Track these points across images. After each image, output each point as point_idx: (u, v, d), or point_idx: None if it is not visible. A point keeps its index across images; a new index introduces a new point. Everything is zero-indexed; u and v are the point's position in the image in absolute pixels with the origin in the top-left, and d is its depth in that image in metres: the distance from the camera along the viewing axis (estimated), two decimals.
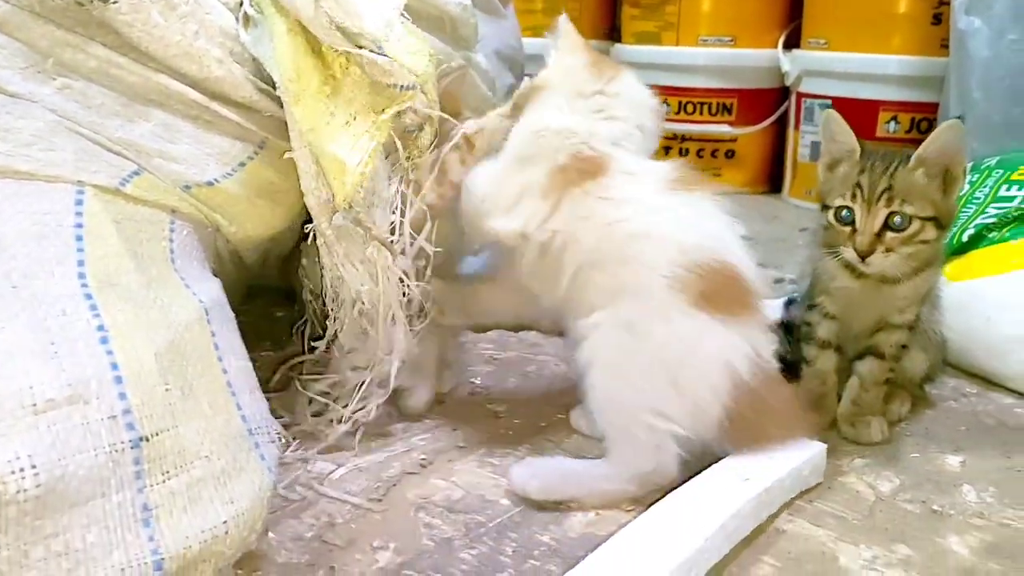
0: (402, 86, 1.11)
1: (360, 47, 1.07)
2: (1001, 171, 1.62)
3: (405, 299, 1.14)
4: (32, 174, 0.85)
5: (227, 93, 1.09)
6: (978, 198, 1.61)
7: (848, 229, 1.16)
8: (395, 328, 1.13)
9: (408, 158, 1.15)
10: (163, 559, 0.77)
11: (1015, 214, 1.53)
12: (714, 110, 3.09)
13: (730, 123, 3.07)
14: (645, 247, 1.04)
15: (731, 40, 3.05)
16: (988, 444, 1.27)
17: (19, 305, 0.77)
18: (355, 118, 1.09)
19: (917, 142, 2.65)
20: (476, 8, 1.71)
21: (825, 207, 1.20)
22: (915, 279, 1.21)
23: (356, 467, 1.13)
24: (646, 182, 1.09)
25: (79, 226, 0.85)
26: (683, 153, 3.13)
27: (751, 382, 1.01)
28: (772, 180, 3.19)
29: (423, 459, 1.16)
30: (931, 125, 2.49)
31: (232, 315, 1.01)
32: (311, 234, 1.11)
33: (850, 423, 1.27)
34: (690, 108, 3.11)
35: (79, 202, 0.86)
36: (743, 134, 3.07)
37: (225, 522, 0.82)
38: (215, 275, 1.06)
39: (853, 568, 0.97)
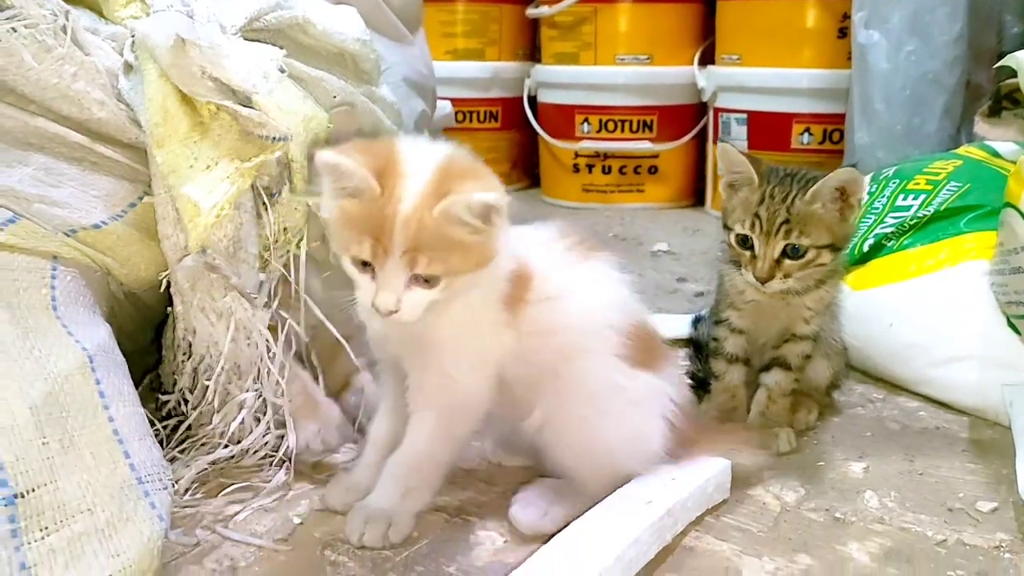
0: (273, 137, 1.11)
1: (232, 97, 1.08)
2: (898, 181, 1.67)
3: (270, 355, 1.13)
4: None
5: (112, 135, 1.08)
6: (877, 208, 1.65)
7: (748, 254, 1.19)
8: (261, 387, 1.13)
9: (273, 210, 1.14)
10: None
11: (911, 222, 1.57)
12: (635, 127, 3.14)
13: (651, 139, 3.12)
14: (586, 323, 1.06)
15: (648, 58, 3.10)
16: (892, 449, 1.31)
17: None
18: (217, 163, 1.09)
19: (830, 153, 2.76)
20: (382, 35, 1.72)
21: (727, 228, 1.23)
22: (817, 291, 1.26)
23: (262, 507, 1.12)
24: (559, 263, 1.09)
25: None
26: (606, 171, 3.17)
27: (678, 422, 1.12)
28: (694, 194, 3.24)
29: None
30: (842, 136, 2.56)
31: (122, 360, 0.99)
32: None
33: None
34: (611, 126, 3.16)
35: None
36: (664, 150, 3.12)
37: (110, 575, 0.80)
38: (108, 319, 1.05)
39: None
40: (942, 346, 1.45)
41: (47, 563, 0.77)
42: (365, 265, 0.95)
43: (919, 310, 1.48)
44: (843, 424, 1.40)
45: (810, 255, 1.18)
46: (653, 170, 3.19)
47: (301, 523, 1.09)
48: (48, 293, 0.93)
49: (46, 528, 0.78)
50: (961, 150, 1.75)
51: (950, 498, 1.16)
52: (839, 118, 2.61)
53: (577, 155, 3.20)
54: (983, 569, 1.01)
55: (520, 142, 3.47)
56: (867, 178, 1.72)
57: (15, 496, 0.76)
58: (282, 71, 1.12)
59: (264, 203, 1.14)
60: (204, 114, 1.09)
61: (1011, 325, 1.40)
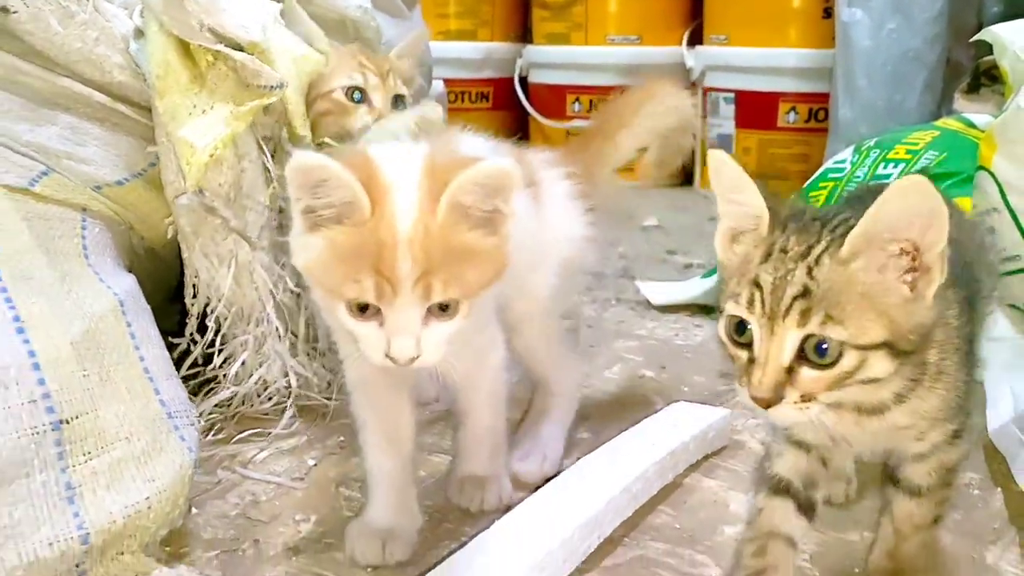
0: (271, 86, 1.16)
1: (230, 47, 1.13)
2: (879, 151, 1.74)
3: (273, 300, 1.18)
4: None
5: (131, 97, 1.14)
6: (859, 176, 1.72)
7: (743, 355, 0.73)
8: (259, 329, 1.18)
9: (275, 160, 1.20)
10: (89, 533, 0.82)
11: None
12: None
13: None
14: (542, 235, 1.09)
15: (637, 39, 3.16)
16: None
17: None
18: (212, 107, 1.12)
19: (815, 131, 2.83)
20: (381, 10, 1.77)
21: (720, 309, 0.77)
22: (915, 398, 0.77)
23: (278, 449, 1.18)
24: None
25: None
26: None
27: None
28: (682, 172, 3.30)
29: (342, 440, 1.22)
30: (827, 115, 2.62)
31: (147, 307, 1.05)
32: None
33: None
34: (601, 105, 3.21)
35: None
36: None
37: (147, 498, 0.87)
38: (129, 271, 1.10)
39: (743, 511, 1.05)
40: None
41: (90, 484, 0.84)
42: (363, 311, 0.80)
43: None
44: None
45: (847, 361, 0.70)
46: (643, 149, 3.24)
47: (315, 464, 1.16)
48: (79, 242, 0.99)
49: (88, 453, 0.84)
50: (939, 122, 1.82)
51: None
52: (824, 97, 2.67)
53: (568, 134, 3.25)
54: (955, 504, 1.08)
55: (511, 122, 3.53)
56: (850, 148, 1.79)
57: (61, 422, 0.83)
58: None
59: (266, 152, 1.20)
60: (202, 65, 1.13)
61: None
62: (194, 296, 1.16)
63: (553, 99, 3.28)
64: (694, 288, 1.84)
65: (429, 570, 0.87)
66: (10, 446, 0.79)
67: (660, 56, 3.15)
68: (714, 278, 1.79)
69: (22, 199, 0.94)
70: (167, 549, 0.94)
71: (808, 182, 1.91)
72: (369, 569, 0.94)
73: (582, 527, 0.93)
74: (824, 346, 0.69)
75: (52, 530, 0.80)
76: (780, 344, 0.70)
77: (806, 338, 0.69)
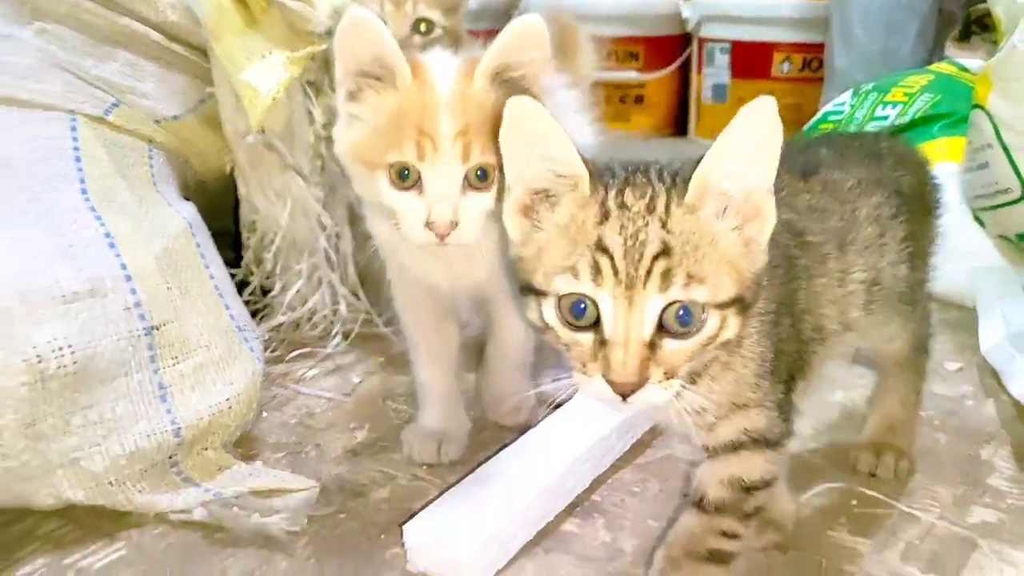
0: (318, 32, 1.22)
1: None
2: (876, 93, 1.83)
3: (324, 233, 1.25)
4: (30, 103, 0.95)
5: (183, 36, 1.20)
6: (858, 118, 1.81)
7: (587, 339, 0.63)
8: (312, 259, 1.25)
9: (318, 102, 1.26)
10: (180, 428, 0.90)
11: (890, 131, 1.73)
12: (622, 57, 3.25)
13: (637, 69, 3.24)
14: None
15: None
16: None
17: (35, 215, 0.88)
18: (271, 52, 1.18)
19: (808, 80, 2.90)
20: None
21: (527, 290, 0.67)
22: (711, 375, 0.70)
23: (325, 369, 1.27)
24: None
25: (76, 149, 0.95)
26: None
27: None
28: (678, 123, 3.37)
29: (383, 361, 1.30)
30: (820, 64, 2.69)
31: (208, 232, 1.12)
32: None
33: None
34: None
35: (73, 128, 0.97)
36: (650, 79, 3.25)
37: (228, 399, 0.95)
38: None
39: None
40: None
41: (178, 385, 0.92)
42: (404, 179, 0.83)
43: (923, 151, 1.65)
44: None
45: (712, 324, 0.63)
46: (639, 99, 3.31)
47: (360, 381, 1.25)
48: (148, 170, 1.06)
49: (176, 357, 0.93)
50: (933, 66, 1.91)
51: None
52: (817, 47, 2.74)
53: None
54: (951, 409, 1.18)
55: None
56: (850, 91, 1.88)
57: (151, 328, 0.91)
58: None
59: (310, 96, 1.26)
60: (256, 10, 1.20)
61: (976, 218, 1.57)
62: (251, 230, 1.23)
63: None
64: None
65: (479, 465, 0.95)
66: (111, 348, 0.87)
67: (657, 6, 3.19)
68: None
69: (99, 128, 1.01)
70: (239, 451, 1.03)
71: (808, 124, 2.00)
72: (425, 467, 1.03)
73: (618, 428, 1.03)
74: (685, 312, 0.61)
75: (149, 424, 0.88)
76: (641, 316, 0.61)
77: (669, 305, 0.61)
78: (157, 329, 0.91)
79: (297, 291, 1.26)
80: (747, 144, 0.61)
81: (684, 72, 3.33)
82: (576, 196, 0.64)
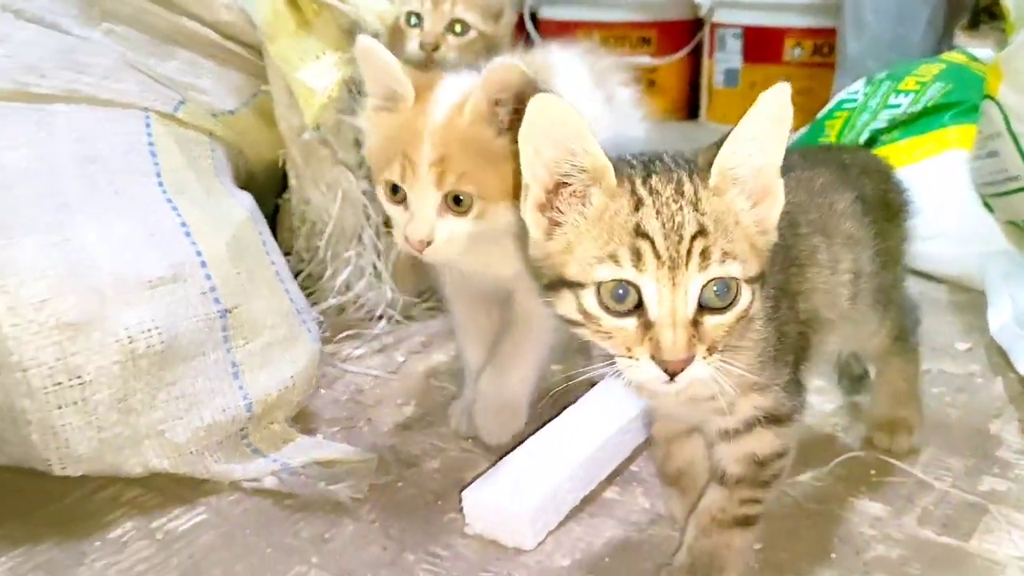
0: (367, 33, 1.29)
1: None
2: (890, 82, 1.88)
3: (369, 224, 1.33)
4: (111, 102, 1.01)
5: (237, 35, 1.27)
6: (871, 106, 1.87)
7: (630, 324, 0.66)
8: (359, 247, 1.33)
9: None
10: (252, 403, 0.98)
11: (902, 118, 1.79)
12: (635, 42, 3.31)
13: (650, 54, 3.29)
14: None
15: None
16: None
17: (121, 206, 0.95)
18: (324, 53, 1.26)
19: (819, 66, 2.96)
20: None
21: (559, 285, 0.69)
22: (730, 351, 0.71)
23: (371, 349, 1.34)
24: None
25: (151, 144, 1.02)
26: None
27: None
28: (690, 107, 3.43)
29: (423, 341, 1.38)
30: (832, 50, 2.75)
31: (265, 220, 1.19)
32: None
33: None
34: (612, 41, 3.32)
35: (148, 124, 1.04)
36: (662, 64, 3.30)
37: (291, 377, 1.03)
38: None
39: None
40: (927, 224, 1.67)
41: (249, 364, 0.99)
42: (396, 193, 0.90)
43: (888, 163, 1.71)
44: None
45: (744, 298, 0.67)
46: (651, 84, 3.36)
47: (404, 360, 1.32)
48: (211, 163, 1.13)
49: (246, 338, 1.00)
50: (945, 55, 1.97)
51: (934, 341, 1.39)
52: (828, 33, 2.79)
53: None
54: (961, 387, 1.25)
55: None
56: (863, 79, 1.94)
57: (225, 311, 0.98)
58: None
59: (355, 94, 1.33)
60: (309, 13, 1.27)
61: (986, 204, 1.63)
62: (301, 220, 1.31)
63: (563, 34, 3.37)
64: None
65: (526, 438, 1.03)
66: (191, 329, 0.94)
67: None
68: None
69: (170, 124, 1.08)
70: (298, 425, 1.10)
71: (822, 113, 2.06)
72: (470, 440, 1.10)
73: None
74: (723, 287, 0.65)
75: (224, 399, 0.96)
76: (685, 295, 0.64)
77: (708, 283, 0.65)
78: (230, 312, 0.98)
79: (345, 277, 1.33)
80: (761, 127, 0.65)
81: (696, 57, 3.38)
82: (605, 187, 0.67)
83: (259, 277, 1.05)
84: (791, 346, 0.80)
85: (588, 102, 1.09)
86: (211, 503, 0.97)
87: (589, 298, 0.66)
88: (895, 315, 1.01)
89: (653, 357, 0.65)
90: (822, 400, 1.19)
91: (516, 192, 0.79)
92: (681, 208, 0.64)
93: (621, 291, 0.65)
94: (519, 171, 0.72)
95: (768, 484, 0.82)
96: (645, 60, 3.29)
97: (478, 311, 1.12)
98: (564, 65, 1.13)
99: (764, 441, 0.80)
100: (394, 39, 1.39)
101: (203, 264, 0.97)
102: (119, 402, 0.88)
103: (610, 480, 1.02)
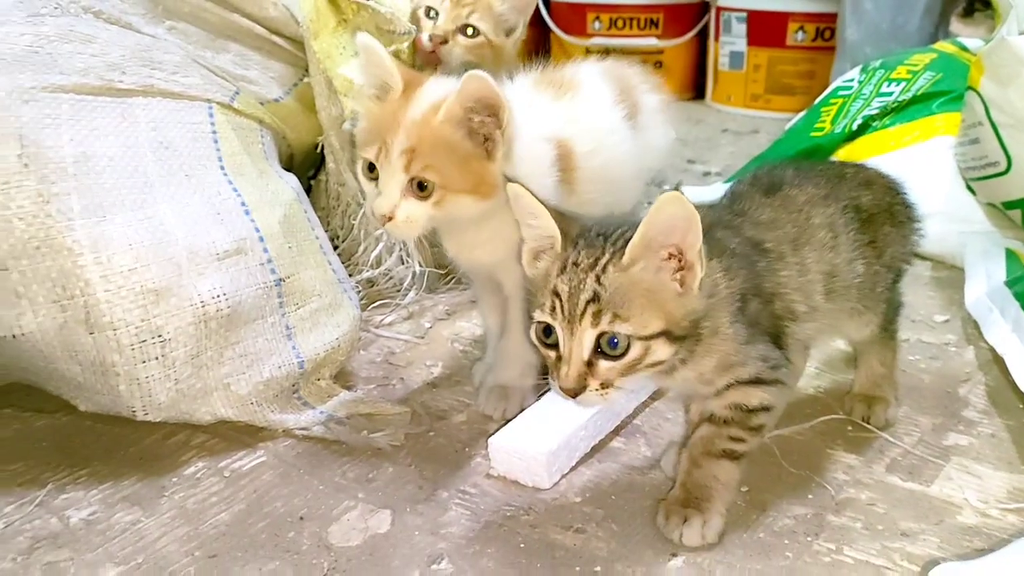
0: (401, 32, 1.42)
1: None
2: (883, 71, 2.00)
3: None
4: (180, 95, 1.14)
5: (281, 29, 1.39)
6: (865, 94, 1.98)
7: (552, 354, 0.88)
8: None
9: None
10: (304, 361, 1.12)
11: (893, 106, 1.91)
12: (642, 25, 3.41)
13: (657, 36, 3.40)
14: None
15: None
16: None
17: (191, 188, 1.08)
18: None
19: (821, 49, 3.06)
20: None
21: (530, 316, 0.90)
22: (694, 359, 0.91)
23: (400, 316, 1.48)
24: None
25: (214, 132, 1.15)
26: None
27: None
28: (696, 87, 3.54)
29: (447, 309, 1.51)
30: (833, 34, 2.85)
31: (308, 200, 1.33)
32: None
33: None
34: (620, 23, 3.42)
35: (210, 114, 1.16)
36: (669, 46, 3.41)
37: (337, 339, 1.17)
38: None
39: None
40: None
41: (300, 327, 1.13)
42: (372, 171, 1.01)
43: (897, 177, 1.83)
44: None
45: (634, 351, 0.84)
46: (658, 65, 3.46)
47: (431, 327, 1.46)
48: (261, 148, 1.26)
49: (297, 304, 1.14)
50: (937, 45, 2.08)
51: (913, 314, 1.52)
52: (830, 17, 2.89)
53: (588, 51, 3.46)
54: (935, 355, 1.38)
55: (534, 39, 3.72)
56: (858, 68, 2.05)
57: (280, 280, 1.12)
58: None
59: None
60: (348, 13, 1.40)
61: (968, 187, 1.75)
62: (336, 200, 1.44)
63: (574, 17, 3.48)
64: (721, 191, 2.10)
65: (543, 394, 1.16)
66: (252, 295, 1.08)
67: None
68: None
69: (228, 113, 1.20)
70: (339, 383, 1.24)
71: (819, 99, 2.18)
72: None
73: None
74: (615, 340, 0.83)
75: (279, 358, 1.10)
76: (580, 342, 0.84)
77: (600, 335, 0.83)
78: (284, 281, 1.12)
79: (377, 253, 1.46)
80: (668, 222, 0.82)
81: (702, 39, 3.48)
82: (551, 253, 0.88)
83: (307, 250, 1.19)
84: (765, 330, 0.95)
85: (607, 120, 1.22)
86: (269, 447, 1.11)
87: (532, 329, 0.89)
88: (886, 310, 1.13)
89: (557, 380, 0.87)
90: (808, 365, 1.32)
91: (476, 188, 0.99)
92: (586, 278, 0.84)
93: (547, 330, 0.87)
94: (480, 169, 0.98)
95: (754, 431, 0.96)
96: (652, 42, 3.40)
97: (491, 286, 1.23)
98: (588, 83, 1.24)
99: (750, 394, 0.95)
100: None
101: (261, 239, 1.11)
102: (193, 358, 1.02)
103: (616, 432, 1.16)
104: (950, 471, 1.08)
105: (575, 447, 1.08)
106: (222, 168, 1.13)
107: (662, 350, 0.85)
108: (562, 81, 1.21)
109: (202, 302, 1.01)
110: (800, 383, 1.28)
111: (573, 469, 1.08)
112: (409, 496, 1.03)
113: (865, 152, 1.91)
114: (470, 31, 1.54)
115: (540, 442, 1.04)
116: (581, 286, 0.83)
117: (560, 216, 0.89)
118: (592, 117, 1.20)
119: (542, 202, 0.88)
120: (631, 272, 0.84)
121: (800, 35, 3.08)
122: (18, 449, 1.13)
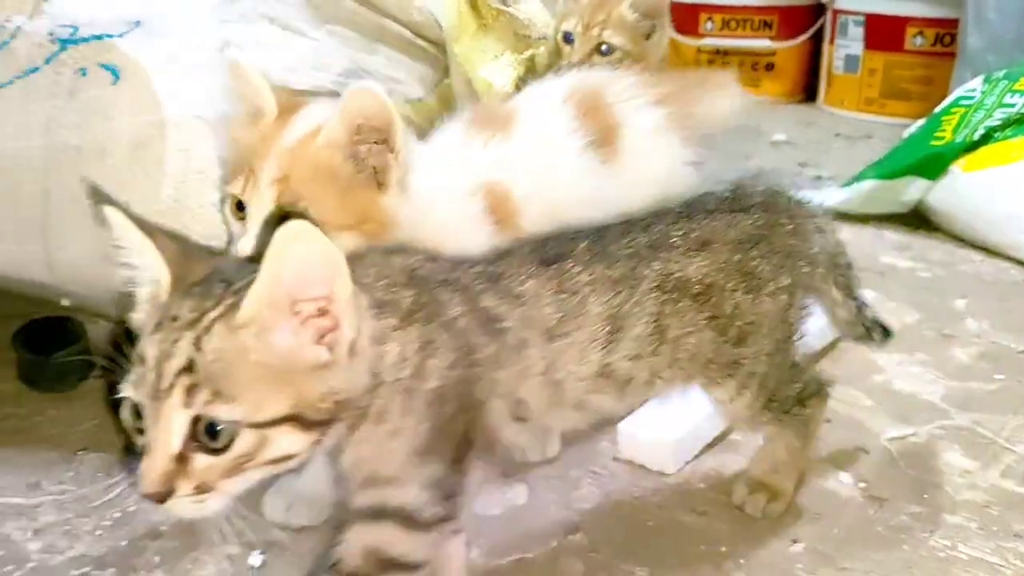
0: (536, 37, 1.49)
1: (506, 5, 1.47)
2: (1007, 82, 1.99)
3: None
4: None
5: (425, 33, 1.48)
6: (987, 104, 1.97)
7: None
8: None
9: None
10: None
11: (1016, 117, 1.90)
12: (756, 26, 3.42)
13: (770, 38, 3.40)
14: None
15: None
16: (988, 293, 1.69)
17: None
18: (502, 54, 1.48)
19: (940, 55, 3.02)
20: None
21: None
22: (354, 444, 0.71)
23: None
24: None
25: None
26: (724, 67, 3.46)
27: None
28: (808, 90, 3.52)
29: None
30: (953, 40, 2.81)
31: None
32: None
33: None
34: (733, 24, 3.43)
35: None
36: (782, 48, 3.40)
37: None
38: None
39: (890, 366, 1.39)
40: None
41: None
42: (241, 211, 0.86)
43: (1017, 188, 1.83)
44: (946, 275, 1.77)
45: (243, 442, 0.63)
46: (770, 67, 3.46)
47: None
48: None
49: None
50: None
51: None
52: (950, 23, 2.85)
53: (699, 51, 3.49)
54: None
55: None
56: (981, 77, 2.04)
57: None
58: None
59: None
60: (488, 18, 1.48)
61: None
62: None
63: (687, 17, 3.50)
64: (836, 196, 2.09)
65: None
66: None
67: None
68: (852, 188, 2.07)
69: None
70: None
71: (939, 108, 2.17)
72: None
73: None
74: (216, 427, 0.61)
75: None
76: (167, 427, 0.61)
77: (196, 420, 0.61)
78: None
79: None
80: (298, 268, 0.61)
81: (816, 42, 3.46)
82: (154, 303, 0.66)
83: None
84: (454, 444, 0.73)
85: (553, 155, 1.09)
86: None
87: (124, 410, 0.66)
88: (756, 388, 0.94)
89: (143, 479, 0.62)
90: (922, 370, 1.36)
91: (360, 223, 0.83)
92: (180, 340, 0.62)
93: (138, 411, 0.64)
94: (367, 202, 0.81)
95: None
96: (765, 43, 3.40)
97: None
98: (528, 114, 1.14)
99: (395, 539, 0.73)
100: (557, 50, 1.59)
101: None
102: None
103: None
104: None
105: (699, 437, 1.15)
106: None
107: (288, 441, 0.63)
108: (498, 117, 1.12)
109: None
110: (916, 388, 1.32)
111: (696, 457, 1.15)
112: (542, 472, 1.12)
113: (986, 162, 1.91)
114: (604, 48, 1.56)
115: (667, 430, 1.11)
116: (173, 349, 0.61)
117: (185, 252, 0.67)
118: (531, 154, 1.07)
119: (153, 233, 0.66)
120: (244, 334, 0.62)
121: (919, 40, 3.05)
122: None
